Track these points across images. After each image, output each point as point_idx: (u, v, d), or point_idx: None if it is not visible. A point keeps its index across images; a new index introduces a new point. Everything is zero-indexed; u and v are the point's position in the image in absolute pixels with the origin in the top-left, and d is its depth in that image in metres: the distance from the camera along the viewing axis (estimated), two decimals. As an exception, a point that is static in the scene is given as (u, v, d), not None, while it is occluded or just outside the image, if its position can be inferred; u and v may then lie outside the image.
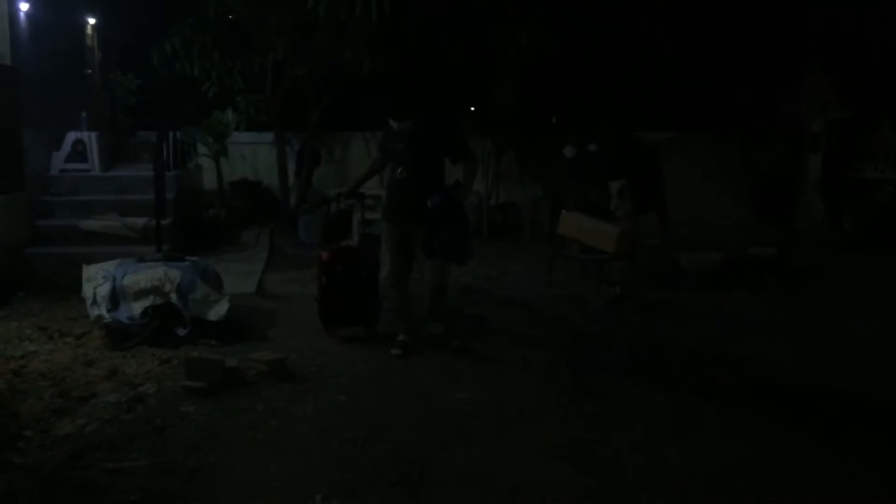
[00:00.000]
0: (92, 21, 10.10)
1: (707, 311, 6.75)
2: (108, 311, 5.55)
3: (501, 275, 8.17)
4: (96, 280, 5.76)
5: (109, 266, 5.90)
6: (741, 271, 7.81)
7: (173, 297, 5.62)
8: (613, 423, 4.33)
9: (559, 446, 4.01)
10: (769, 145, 10.82)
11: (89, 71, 10.09)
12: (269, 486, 3.55)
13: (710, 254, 8.02)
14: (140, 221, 7.88)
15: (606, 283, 7.20)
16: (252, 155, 11.29)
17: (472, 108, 10.23)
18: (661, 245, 8.23)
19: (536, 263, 8.11)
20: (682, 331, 6.11)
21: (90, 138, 8.73)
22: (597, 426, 4.27)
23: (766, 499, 3.52)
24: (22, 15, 7.93)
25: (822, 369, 5.22)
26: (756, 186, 10.66)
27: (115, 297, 5.59)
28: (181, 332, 5.56)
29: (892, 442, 4.15)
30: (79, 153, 8.68)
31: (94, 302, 5.64)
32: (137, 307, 5.57)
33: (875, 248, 9.23)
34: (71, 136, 8.66)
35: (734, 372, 5.16)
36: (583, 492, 3.54)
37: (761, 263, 7.92)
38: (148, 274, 5.74)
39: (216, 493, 3.49)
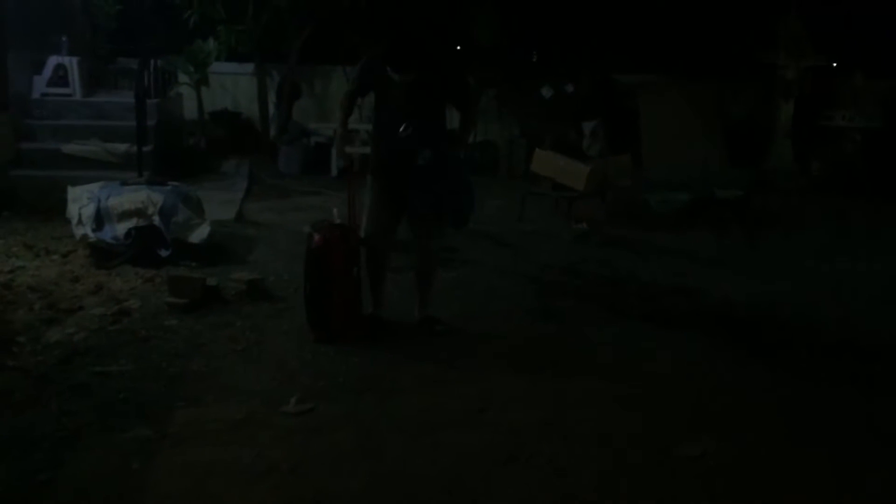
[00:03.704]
0: (72, -57, 10.01)
1: (669, 248, 7.04)
2: (93, 230, 5.74)
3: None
4: (81, 201, 5.94)
5: (94, 188, 6.08)
6: (707, 212, 8.10)
7: (156, 220, 5.82)
8: (572, 343, 4.66)
9: (520, 361, 4.34)
10: (743, 91, 11.04)
11: (69, -6, 10.04)
12: (248, 389, 3.85)
13: (678, 194, 8.29)
14: (121, 147, 8.01)
15: (575, 219, 7.47)
16: (232, 85, 11.33)
17: (458, 47, 10.31)
18: (633, 185, 8.49)
19: (510, 200, 8.34)
20: (642, 265, 6.41)
21: (71, 63, 8.75)
22: (556, 345, 4.59)
23: (705, 407, 3.85)
24: (1, -65, 7.90)
25: (771, 302, 5.53)
26: (729, 131, 10.89)
27: (100, 218, 5.77)
28: (163, 253, 5.77)
29: (824, 357, 4.54)
30: (60, 78, 8.71)
31: (80, 222, 5.83)
32: (121, 228, 5.76)
33: (839, 193, 9.53)
34: (52, 61, 8.68)
35: (688, 302, 5.48)
36: (538, 399, 3.87)
37: (726, 205, 8.21)
38: (131, 196, 5.92)
39: (200, 394, 3.77)
